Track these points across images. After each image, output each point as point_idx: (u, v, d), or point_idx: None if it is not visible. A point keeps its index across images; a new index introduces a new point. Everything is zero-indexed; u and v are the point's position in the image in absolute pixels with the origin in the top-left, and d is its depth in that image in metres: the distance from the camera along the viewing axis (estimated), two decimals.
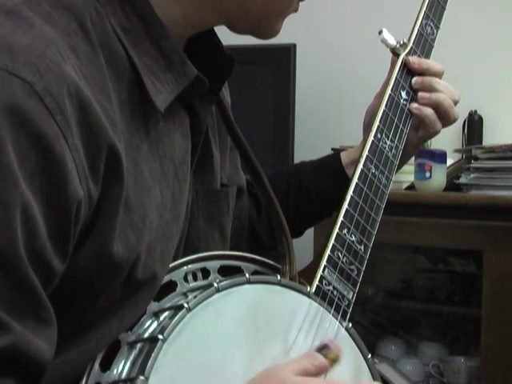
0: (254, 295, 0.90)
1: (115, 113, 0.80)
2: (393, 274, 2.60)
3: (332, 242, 1.00)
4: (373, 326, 2.56)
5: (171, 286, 0.90)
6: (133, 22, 0.85)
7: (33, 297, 0.73)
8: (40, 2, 0.80)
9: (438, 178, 2.29)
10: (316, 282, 0.97)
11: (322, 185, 1.21)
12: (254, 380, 0.85)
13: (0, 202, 0.70)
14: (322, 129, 2.79)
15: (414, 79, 1.16)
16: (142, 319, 0.86)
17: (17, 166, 0.71)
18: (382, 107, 1.12)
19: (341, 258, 1.01)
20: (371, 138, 1.09)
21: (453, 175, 2.34)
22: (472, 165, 2.29)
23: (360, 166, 1.07)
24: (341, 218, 1.02)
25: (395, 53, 1.16)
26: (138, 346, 0.84)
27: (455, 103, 1.16)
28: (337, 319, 0.97)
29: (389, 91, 1.13)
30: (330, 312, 0.97)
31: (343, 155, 1.22)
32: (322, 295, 0.97)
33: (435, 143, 2.36)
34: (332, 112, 2.79)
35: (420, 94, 1.15)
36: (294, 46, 2.59)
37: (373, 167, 1.08)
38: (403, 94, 1.15)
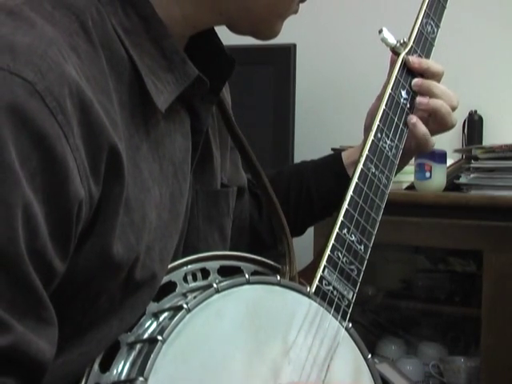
0: (253, 296, 0.90)
1: (116, 113, 0.80)
2: (393, 274, 2.60)
3: (332, 241, 1.00)
4: (373, 325, 2.56)
5: (171, 287, 0.90)
6: (134, 22, 0.85)
7: (33, 296, 0.73)
8: (41, 2, 0.80)
9: (438, 177, 2.29)
10: (316, 282, 0.97)
11: (322, 185, 1.21)
12: None
13: (1, 201, 0.70)
14: (322, 129, 2.79)
15: (414, 81, 1.15)
16: (142, 320, 0.86)
17: (18, 165, 0.71)
18: (382, 106, 1.11)
19: (341, 257, 1.00)
20: (371, 137, 1.09)
21: (453, 175, 2.34)
22: (472, 165, 2.29)
23: (360, 166, 1.07)
24: (341, 218, 1.02)
25: (395, 52, 1.16)
26: (138, 346, 0.84)
27: (453, 109, 1.16)
28: (337, 319, 0.97)
29: (389, 90, 1.13)
30: (329, 312, 0.97)
31: (344, 155, 1.22)
32: (321, 295, 0.97)
33: (435, 143, 2.36)
34: (332, 112, 2.79)
35: (418, 99, 1.15)
36: (294, 46, 2.59)
37: (373, 167, 1.08)
38: (403, 93, 1.14)
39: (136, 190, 0.82)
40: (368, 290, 2.48)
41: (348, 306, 0.99)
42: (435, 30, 1.21)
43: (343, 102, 2.77)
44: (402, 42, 1.17)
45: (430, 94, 1.15)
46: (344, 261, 1.01)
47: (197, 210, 0.98)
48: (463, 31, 2.54)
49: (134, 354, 0.83)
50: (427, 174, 2.29)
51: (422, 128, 1.14)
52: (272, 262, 0.99)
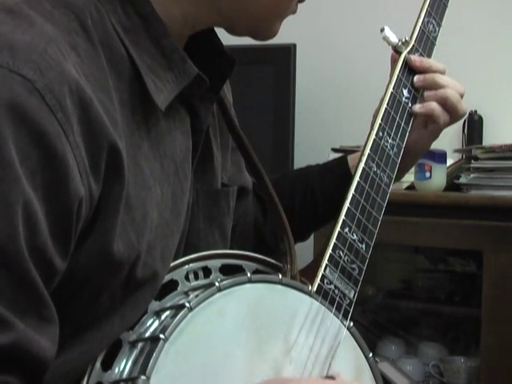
0: (255, 294, 0.90)
1: (116, 111, 0.80)
2: (393, 274, 2.60)
3: (333, 240, 1.00)
4: (373, 325, 2.56)
5: (172, 285, 0.90)
6: (133, 20, 0.85)
7: (34, 294, 0.73)
8: (40, 1, 0.80)
9: (437, 177, 2.29)
10: (317, 280, 0.97)
11: (327, 187, 1.21)
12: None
13: (1, 199, 0.70)
14: (322, 129, 2.79)
15: (416, 77, 1.15)
16: (144, 318, 0.86)
17: (18, 163, 0.71)
18: (384, 105, 1.11)
19: (342, 256, 1.00)
20: (373, 136, 1.09)
21: (453, 175, 2.34)
22: (472, 165, 2.29)
23: (362, 165, 1.07)
24: (342, 217, 1.02)
25: (397, 51, 1.16)
26: (140, 345, 0.84)
27: (461, 96, 1.16)
28: (338, 318, 0.97)
29: (390, 89, 1.13)
30: (331, 311, 0.96)
31: (350, 158, 1.21)
32: (323, 294, 0.97)
33: (435, 143, 2.34)
34: (332, 112, 2.79)
35: (426, 92, 1.15)
36: (294, 46, 2.59)
37: (374, 165, 1.08)
38: (405, 92, 1.14)
39: (137, 188, 0.82)
40: (368, 290, 2.48)
41: (349, 305, 0.99)
42: (437, 28, 1.21)
43: (343, 102, 2.77)
44: (403, 40, 1.17)
45: (435, 85, 1.15)
46: (345, 260, 1.01)
47: (197, 210, 0.98)
48: (463, 31, 2.54)
49: (135, 352, 0.83)
50: (427, 174, 2.28)
51: (431, 103, 1.14)
52: (273, 261, 0.99)
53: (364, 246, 1.04)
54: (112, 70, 0.81)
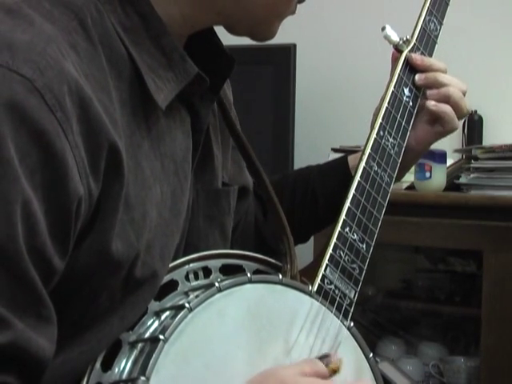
0: (255, 295, 0.90)
1: (116, 110, 0.80)
2: (393, 274, 2.60)
3: (334, 240, 1.00)
4: (373, 325, 2.56)
5: (172, 285, 0.89)
6: (133, 20, 0.85)
7: (33, 294, 0.72)
8: (40, 0, 0.80)
9: (437, 177, 2.29)
10: (318, 280, 0.97)
11: (328, 187, 1.20)
12: (253, 379, 0.85)
13: (0, 198, 0.70)
14: (322, 129, 2.79)
15: (417, 76, 1.15)
16: (144, 319, 0.86)
17: (17, 162, 0.71)
18: (385, 104, 1.11)
19: (343, 256, 1.00)
20: (374, 135, 1.09)
21: (453, 175, 2.34)
22: (472, 165, 2.29)
23: (362, 164, 1.06)
24: (343, 217, 1.02)
25: (398, 49, 1.16)
26: (139, 345, 0.84)
27: (464, 93, 1.16)
28: (338, 318, 0.97)
29: (391, 88, 1.12)
30: (331, 311, 0.96)
31: (350, 158, 1.21)
32: (323, 294, 0.96)
33: (435, 143, 2.35)
34: (332, 112, 2.79)
35: (429, 91, 1.15)
36: (294, 46, 2.59)
37: (375, 165, 1.08)
38: (406, 91, 1.14)
39: (137, 188, 0.81)
40: (368, 290, 2.48)
41: (350, 305, 0.99)
42: (438, 27, 1.20)
43: (343, 102, 2.77)
44: (404, 39, 1.16)
45: (437, 84, 1.15)
46: (346, 259, 1.01)
47: (197, 209, 0.98)
48: (463, 31, 2.54)
49: (135, 353, 0.83)
50: (427, 174, 2.28)
51: (445, 105, 1.14)
52: (274, 261, 0.99)
53: (364, 246, 1.03)
54: (112, 69, 0.81)
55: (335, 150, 2.42)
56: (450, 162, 2.37)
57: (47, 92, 0.72)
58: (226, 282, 0.88)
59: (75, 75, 0.75)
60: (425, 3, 1.20)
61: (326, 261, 0.98)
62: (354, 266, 1.01)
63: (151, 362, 0.80)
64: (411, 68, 1.15)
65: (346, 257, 1.01)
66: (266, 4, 0.91)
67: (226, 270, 0.94)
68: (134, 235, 0.81)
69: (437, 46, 1.21)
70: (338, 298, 0.98)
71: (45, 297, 0.74)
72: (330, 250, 0.99)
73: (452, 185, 2.32)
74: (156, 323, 0.86)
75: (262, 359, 0.88)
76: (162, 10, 0.87)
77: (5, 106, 0.70)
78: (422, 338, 2.49)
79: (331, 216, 1.18)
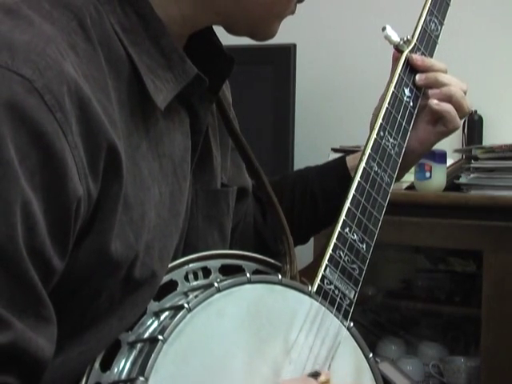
0: (254, 295, 0.90)
1: (115, 111, 0.80)
2: (393, 274, 2.60)
3: (334, 240, 1.00)
4: (373, 325, 2.56)
5: (172, 286, 0.89)
6: (132, 20, 0.85)
7: (33, 294, 0.72)
8: (39, 1, 0.80)
9: (437, 177, 2.29)
10: (317, 281, 0.97)
11: (327, 188, 1.20)
12: None
13: (0, 198, 0.70)
14: (322, 129, 2.79)
15: (418, 76, 1.15)
16: (143, 319, 0.86)
17: (17, 162, 0.71)
18: (385, 105, 1.11)
19: (342, 256, 1.00)
20: (374, 135, 1.09)
21: (453, 175, 2.34)
22: (472, 165, 2.29)
23: (362, 164, 1.06)
24: (343, 217, 1.02)
25: (399, 49, 1.16)
26: (139, 346, 0.84)
27: (464, 93, 1.16)
28: (338, 319, 0.97)
29: (392, 88, 1.12)
30: (331, 311, 0.96)
31: (349, 158, 1.21)
32: (323, 294, 0.96)
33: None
34: (332, 112, 2.79)
35: (430, 91, 1.14)
36: (294, 46, 2.59)
37: (375, 165, 1.08)
38: (406, 91, 1.14)
39: (135, 189, 0.81)
40: (368, 290, 2.48)
41: (349, 306, 0.99)
42: (439, 27, 1.20)
43: (343, 102, 2.77)
44: (405, 39, 1.16)
45: (438, 84, 1.14)
46: (346, 260, 1.00)
47: (196, 210, 0.98)
48: (463, 31, 2.54)
49: (134, 353, 0.83)
50: (427, 174, 2.28)
51: (447, 105, 1.13)
52: (273, 261, 0.99)
53: (364, 246, 1.03)
54: (111, 69, 0.81)
55: (335, 150, 2.42)
56: (450, 161, 2.37)
57: (46, 92, 0.72)
58: (226, 282, 0.88)
59: (74, 76, 0.75)
60: (425, 3, 1.19)
61: (325, 261, 0.98)
62: (354, 266, 1.01)
63: (150, 362, 0.80)
64: (412, 68, 1.15)
65: (346, 257, 1.01)
66: (266, 4, 0.91)
67: (226, 271, 0.94)
68: (132, 236, 0.81)
69: (437, 46, 1.21)
70: (337, 299, 0.98)
71: (44, 297, 0.73)
72: (329, 251, 0.99)
73: (452, 185, 2.32)
74: (155, 323, 0.86)
75: (261, 359, 0.88)
76: (162, 10, 0.87)
77: (4, 106, 0.70)
78: (422, 337, 2.49)
79: (330, 217, 1.18)
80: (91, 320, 0.81)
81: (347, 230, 1.02)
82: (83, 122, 0.75)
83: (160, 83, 0.85)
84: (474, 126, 2.55)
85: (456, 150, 2.48)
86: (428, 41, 1.18)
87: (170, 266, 0.89)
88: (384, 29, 1.15)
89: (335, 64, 2.80)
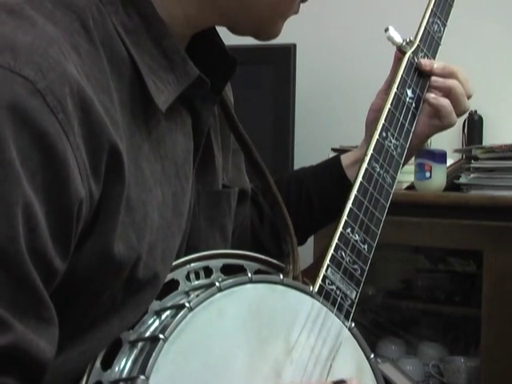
0: (256, 295, 0.90)
1: (117, 112, 0.80)
2: (393, 274, 2.60)
3: (335, 241, 1.00)
4: (373, 325, 2.56)
5: (173, 285, 0.89)
6: (134, 21, 0.85)
7: (34, 295, 0.72)
8: (42, 1, 0.79)
9: (438, 177, 2.29)
10: (319, 281, 0.97)
11: (322, 187, 1.20)
12: None
13: (2, 200, 0.70)
14: (322, 129, 2.79)
15: (436, 64, 1.15)
16: (144, 318, 0.86)
17: (19, 164, 0.70)
18: (388, 105, 1.11)
19: (344, 257, 1.00)
20: (376, 136, 1.09)
21: (453, 175, 2.34)
22: (472, 165, 2.29)
23: (365, 165, 1.06)
24: (344, 217, 1.02)
25: (401, 50, 1.16)
26: (140, 344, 0.84)
27: (468, 97, 1.16)
28: (340, 319, 0.97)
29: (394, 89, 1.12)
30: (332, 312, 0.96)
31: (343, 157, 1.21)
32: (324, 295, 0.96)
33: (435, 143, 2.36)
34: (332, 112, 2.79)
35: (434, 78, 1.14)
36: (294, 46, 2.59)
37: (378, 166, 1.08)
38: (409, 92, 1.14)
39: (137, 190, 0.81)
40: (368, 290, 2.48)
41: (351, 306, 0.99)
42: (442, 29, 1.20)
43: (343, 102, 2.77)
44: (408, 40, 1.16)
45: (452, 75, 1.15)
46: (347, 260, 1.00)
47: (198, 211, 0.98)
48: (463, 31, 2.54)
49: (135, 352, 0.83)
50: (427, 174, 2.29)
51: (444, 99, 1.13)
52: (275, 261, 0.99)
53: (366, 247, 1.03)
54: (113, 70, 0.81)
55: (335, 150, 2.42)
56: (450, 161, 2.38)
57: (49, 94, 0.72)
58: (227, 281, 0.88)
59: (77, 77, 0.75)
60: (428, 4, 1.19)
61: (327, 261, 0.98)
62: (356, 266, 1.01)
63: (151, 361, 0.80)
64: (415, 69, 1.15)
65: (348, 257, 1.01)
66: (270, 4, 0.91)
67: (227, 270, 0.94)
68: (135, 237, 0.81)
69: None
70: (339, 299, 0.98)
71: (46, 298, 0.73)
72: (331, 251, 0.99)
73: (452, 185, 2.32)
74: (156, 322, 0.86)
75: (262, 359, 0.88)
76: (165, 10, 0.87)
77: (7, 107, 0.70)
78: (421, 337, 2.49)
79: (327, 216, 1.18)
80: (92, 320, 0.81)
81: (349, 230, 1.02)
82: (85, 123, 0.75)
83: (162, 85, 0.85)
84: (474, 126, 2.55)
85: (456, 150, 2.48)
86: (431, 42, 1.18)
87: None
88: (387, 30, 1.15)
89: (335, 64, 2.80)
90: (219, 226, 1.01)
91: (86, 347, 0.81)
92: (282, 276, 0.93)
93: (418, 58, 1.16)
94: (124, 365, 0.83)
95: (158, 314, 0.87)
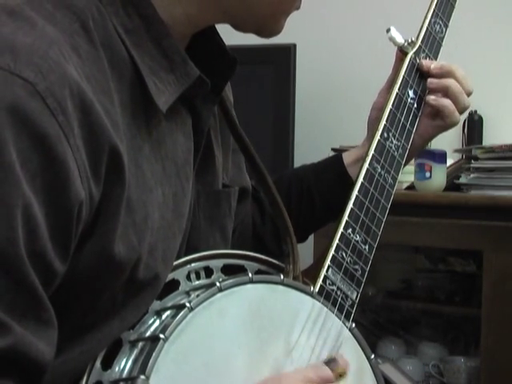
0: (256, 295, 0.90)
1: (117, 113, 0.80)
2: (393, 274, 2.60)
3: (336, 241, 1.00)
4: (373, 325, 2.56)
5: (174, 285, 0.90)
6: (135, 22, 0.84)
7: (33, 298, 0.72)
8: (42, 2, 0.79)
9: (437, 177, 2.29)
10: (320, 281, 0.97)
11: (324, 185, 1.20)
12: None
13: (1, 202, 0.70)
14: (322, 129, 2.79)
15: (433, 65, 1.15)
16: (145, 318, 0.86)
17: (18, 166, 0.70)
18: (389, 106, 1.11)
19: (345, 257, 1.00)
20: (377, 137, 1.09)
21: (453, 175, 2.34)
22: (472, 165, 2.29)
23: (366, 166, 1.06)
24: (345, 218, 1.02)
25: (403, 51, 1.16)
26: (140, 344, 0.84)
27: (468, 94, 1.15)
28: (340, 319, 0.97)
29: (396, 90, 1.12)
30: (333, 312, 0.96)
31: (345, 155, 1.21)
32: (325, 295, 0.96)
33: (435, 143, 2.34)
34: (332, 112, 2.79)
35: (429, 79, 1.14)
36: (294, 46, 2.59)
37: (379, 167, 1.08)
38: (410, 92, 1.14)
39: (138, 191, 0.81)
40: (368, 290, 2.48)
41: (351, 306, 0.99)
42: (443, 29, 1.20)
43: (343, 102, 2.77)
44: (409, 41, 1.16)
45: (449, 75, 1.14)
46: (348, 261, 1.00)
47: (198, 211, 0.98)
48: (463, 31, 2.53)
49: (136, 351, 0.83)
50: (427, 174, 2.29)
51: (445, 100, 1.13)
52: (276, 261, 0.99)
53: (367, 247, 1.03)
54: (113, 71, 0.81)
55: (335, 150, 2.42)
56: (450, 161, 2.37)
57: (49, 95, 0.72)
58: (227, 281, 0.88)
59: (77, 78, 0.75)
60: (430, 5, 1.19)
61: (328, 262, 0.98)
62: (357, 267, 1.01)
63: (151, 360, 0.80)
64: (416, 70, 1.15)
65: (349, 258, 1.01)
66: (272, 1, 0.91)
67: (228, 270, 0.94)
68: (135, 238, 0.81)
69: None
70: (339, 299, 0.98)
71: (45, 300, 0.73)
72: (332, 251, 0.99)
73: (452, 185, 2.32)
74: (157, 322, 0.86)
75: (262, 359, 0.88)
76: (165, 10, 0.87)
77: (6, 109, 0.70)
78: (421, 338, 2.49)
79: (328, 214, 1.18)
80: (92, 321, 0.81)
81: (350, 230, 1.02)
82: (85, 124, 0.75)
83: (162, 85, 0.85)
84: (474, 125, 2.55)
85: (456, 150, 2.48)
86: (432, 43, 1.18)
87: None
88: (388, 30, 1.15)
89: (335, 64, 2.80)
90: (219, 226, 1.01)
91: (86, 347, 0.81)
92: (282, 276, 0.93)
93: (419, 59, 1.16)
94: (124, 365, 0.83)
95: (159, 313, 0.87)
